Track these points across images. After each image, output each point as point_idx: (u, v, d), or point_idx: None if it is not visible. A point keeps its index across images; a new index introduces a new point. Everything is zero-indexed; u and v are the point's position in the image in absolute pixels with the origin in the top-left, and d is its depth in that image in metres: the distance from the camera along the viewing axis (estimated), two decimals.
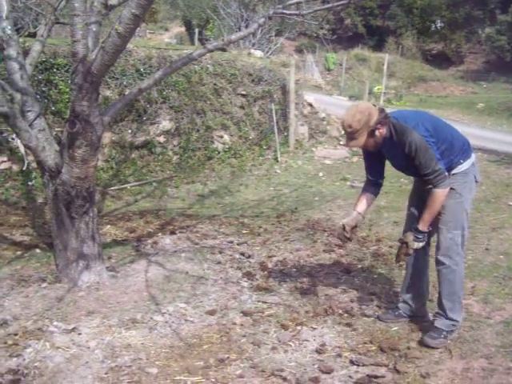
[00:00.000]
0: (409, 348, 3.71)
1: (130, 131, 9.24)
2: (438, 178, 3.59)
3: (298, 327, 4.01)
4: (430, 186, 3.64)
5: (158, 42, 21.09)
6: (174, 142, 9.85)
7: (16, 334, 3.78)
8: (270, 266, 5.36)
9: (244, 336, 3.88)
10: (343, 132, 3.96)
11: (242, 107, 11.17)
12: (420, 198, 3.88)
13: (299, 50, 35.38)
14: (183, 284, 4.82)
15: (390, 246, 5.85)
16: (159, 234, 6.32)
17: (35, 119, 4.61)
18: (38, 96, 4.94)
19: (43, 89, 8.20)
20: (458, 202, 3.75)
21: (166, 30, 40.60)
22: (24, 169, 7.49)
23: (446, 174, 3.64)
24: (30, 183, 7.76)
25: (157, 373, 3.39)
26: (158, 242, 5.99)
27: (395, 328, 4.03)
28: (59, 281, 4.75)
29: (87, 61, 4.06)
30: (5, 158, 7.83)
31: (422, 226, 3.74)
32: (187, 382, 3.30)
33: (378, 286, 4.85)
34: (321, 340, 3.84)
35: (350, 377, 3.38)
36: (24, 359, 3.48)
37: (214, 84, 10.72)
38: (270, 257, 5.62)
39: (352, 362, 3.54)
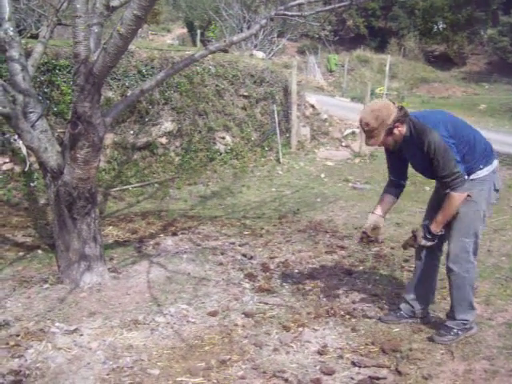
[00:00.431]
0: (411, 349, 3.70)
1: (132, 132, 9.24)
2: (456, 181, 3.51)
3: (300, 328, 4.01)
4: (448, 191, 3.56)
5: (160, 43, 21.09)
6: (176, 144, 9.86)
7: (18, 335, 3.78)
8: (271, 267, 5.35)
9: (246, 337, 3.88)
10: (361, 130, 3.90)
11: (243, 108, 11.18)
12: (438, 204, 3.79)
13: (301, 52, 35.33)
14: (185, 285, 4.82)
15: (392, 248, 5.85)
16: (161, 235, 6.32)
17: (37, 120, 4.62)
18: (40, 97, 4.96)
19: (45, 90, 8.22)
20: (472, 211, 3.66)
21: (168, 31, 40.58)
22: (26, 170, 7.50)
23: (465, 177, 3.56)
24: (31, 184, 7.77)
25: (158, 374, 3.39)
26: (159, 243, 6.00)
27: (397, 329, 4.02)
28: (61, 282, 4.76)
29: (89, 62, 4.07)
30: (7, 159, 7.84)
31: (434, 227, 3.69)
32: (189, 383, 3.31)
33: (379, 287, 4.84)
34: (322, 341, 3.83)
35: (352, 378, 3.38)
36: (26, 360, 3.48)
37: (216, 85, 10.72)
38: (271, 258, 5.62)
39: (354, 364, 3.54)
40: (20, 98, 4.53)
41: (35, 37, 7.02)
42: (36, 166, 6.81)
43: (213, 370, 3.44)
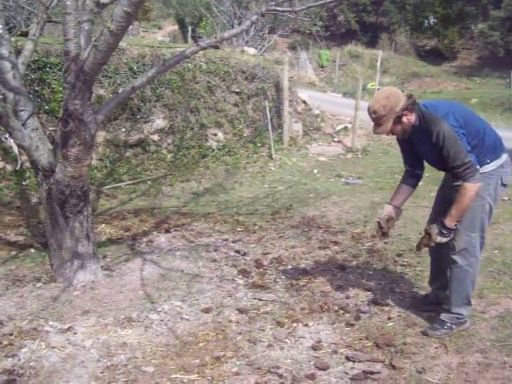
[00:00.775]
0: (405, 343, 3.71)
1: (123, 130, 9.22)
2: (468, 170, 3.43)
3: (294, 324, 4.01)
4: (459, 183, 3.49)
5: (152, 40, 21.03)
6: (168, 141, 9.84)
7: (11, 334, 3.77)
8: (265, 263, 5.36)
9: (240, 333, 3.88)
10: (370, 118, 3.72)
11: (235, 105, 11.17)
12: (444, 199, 3.79)
13: (292, 47, 35.35)
14: (178, 282, 4.81)
15: (385, 243, 5.86)
16: (154, 233, 6.31)
17: (28, 118, 4.59)
18: (31, 95, 4.94)
19: (36, 88, 8.18)
20: (478, 205, 3.62)
21: (159, 28, 40.46)
22: (18, 168, 7.46)
23: (477, 167, 3.49)
24: (23, 183, 7.74)
25: (153, 371, 3.38)
26: (153, 241, 5.99)
27: (391, 324, 4.03)
28: (54, 280, 4.74)
29: (80, 59, 4.05)
30: None
31: (449, 222, 3.59)
32: (183, 380, 3.30)
33: (373, 282, 4.85)
34: (316, 337, 3.84)
35: (346, 373, 3.38)
36: (19, 359, 3.47)
37: (208, 82, 10.71)
38: (265, 254, 5.62)
39: (348, 359, 3.54)
40: (10, 96, 4.51)
41: (25, 34, 6.99)
42: (28, 164, 6.78)
43: (207, 366, 3.44)
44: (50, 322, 3.96)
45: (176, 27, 36.85)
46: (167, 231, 6.37)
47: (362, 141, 12.43)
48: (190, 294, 4.55)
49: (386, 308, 4.29)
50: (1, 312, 4.12)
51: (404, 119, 3.60)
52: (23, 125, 4.52)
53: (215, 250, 5.70)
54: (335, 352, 3.63)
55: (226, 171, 9.93)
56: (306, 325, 4.00)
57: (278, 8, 4.83)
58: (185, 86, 10.23)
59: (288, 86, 11.79)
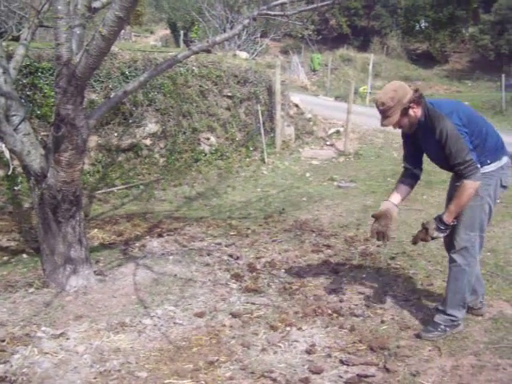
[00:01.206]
0: (398, 347, 3.72)
1: (116, 134, 9.19)
2: (469, 168, 3.48)
3: (288, 328, 4.00)
4: (461, 180, 3.54)
5: (144, 44, 20.99)
6: (160, 145, 9.82)
7: (3, 341, 3.74)
8: (258, 267, 5.35)
9: (233, 338, 3.87)
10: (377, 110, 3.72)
11: (227, 109, 11.17)
12: (450, 198, 3.78)
13: (284, 51, 35.43)
14: (171, 287, 4.80)
15: (378, 246, 5.86)
16: (147, 237, 6.29)
17: (20, 123, 4.58)
18: (23, 100, 4.92)
19: (28, 93, 8.14)
20: (478, 205, 3.66)
21: (152, 32, 40.48)
22: (9, 174, 7.41)
23: (478, 165, 3.53)
24: (15, 188, 7.70)
25: (146, 376, 3.37)
26: (145, 245, 5.97)
27: (384, 327, 4.03)
28: (46, 286, 4.72)
29: (71, 64, 4.03)
30: None
31: (447, 218, 3.64)
32: None
33: (366, 285, 4.85)
34: (310, 340, 3.83)
35: (340, 377, 3.38)
36: (11, 365, 3.44)
37: (200, 86, 10.71)
38: (258, 258, 5.61)
39: (342, 362, 3.54)
40: (2, 101, 4.49)
41: (16, 39, 6.96)
42: (20, 169, 6.75)
43: (201, 371, 3.43)
44: (43, 328, 3.94)
45: (168, 32, 36.88)
46: (160, 236, 6.35)
47: (354, 144, 12.47)
48: (183, 299, 4.54)
49: (380, 311, 4.30)
50: None
51: (411, 112, 3.64)
52: (15, 130, 4.50)
53: (208, 255, 5.69)
54: (329, 356, 3.63)
55: (219, 175, 9.93)
56: (300, 328, 4.00)
57: (269, 12, 4.85)
58: (177, 90, 10.22)
59: (280, 89, 11.81)
